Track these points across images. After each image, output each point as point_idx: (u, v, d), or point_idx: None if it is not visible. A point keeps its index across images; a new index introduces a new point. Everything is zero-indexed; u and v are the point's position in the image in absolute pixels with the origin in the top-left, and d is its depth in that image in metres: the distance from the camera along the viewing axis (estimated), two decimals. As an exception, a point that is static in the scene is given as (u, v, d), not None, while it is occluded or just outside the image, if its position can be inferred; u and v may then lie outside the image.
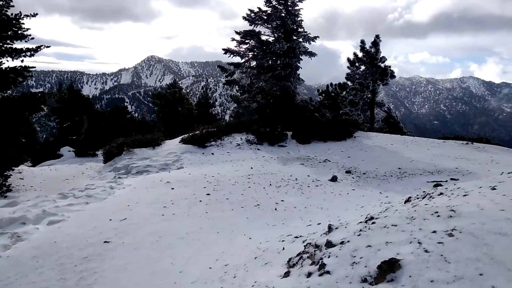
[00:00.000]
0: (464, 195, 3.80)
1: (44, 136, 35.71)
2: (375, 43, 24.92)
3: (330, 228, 4.14)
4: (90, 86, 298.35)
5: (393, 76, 25.24)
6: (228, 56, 20.50)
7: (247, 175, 10.42)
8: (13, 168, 11.56)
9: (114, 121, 28.53)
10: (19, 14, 11.75)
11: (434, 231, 3.00)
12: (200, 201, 7.87)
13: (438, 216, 3.30)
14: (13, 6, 11.79)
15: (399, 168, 11.79)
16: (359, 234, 3.51)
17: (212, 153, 14.12)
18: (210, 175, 10.42)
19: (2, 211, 7.18)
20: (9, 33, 11.77)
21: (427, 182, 9.80)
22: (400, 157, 13.49)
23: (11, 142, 12.41)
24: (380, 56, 24.85)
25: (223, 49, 20.37)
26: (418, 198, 4.57)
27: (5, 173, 10.39)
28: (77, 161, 20.25)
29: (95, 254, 5.21)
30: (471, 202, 3.42)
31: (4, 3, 11.53)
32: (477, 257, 2.49)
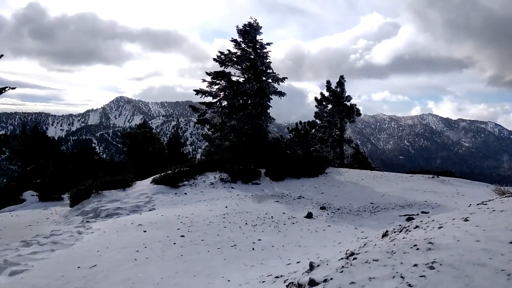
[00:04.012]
0: (440, 227, 3.91)
1: (5, 180, 33.80)
2: (340, 83, 26.10)
3: (311, 266, 4.10)
4: (55, 127, 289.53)
5: (359, 114, 26.30)
6: (200, 97, 20.78)
7: (222, 214, 10.25)
8: (-31, 215, 10.80)
9: (82, 163, 27.58)
10: (-18, 56, 11.50)
11: (415, 265, 3.05)
12: (174, 243, 7.60)
13: (417, 249, 3.36)
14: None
15: (372, 203, 12.00)
16: (342, 271, 3.49)
17: (185, 193, 13.85)
18: (183, 216, 10.16)
19: (-43, 263, 6.60)
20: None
21: (400, 216, 10.00)
22: (372, 192, 13.77)
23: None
24: (346, 95, 25.99)
25: (195, 90, 20.67)
26: (395, 232, 4.65)
27: (-39, 221, 9.66)
28: (41, 206, 19.18)
29: (62, 306, 4.84)
30: (447, 234, 3.52)
31: (-32, 44, 11.27)
32: (460, 289, 2.54)
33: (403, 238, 3.95)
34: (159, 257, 6.74)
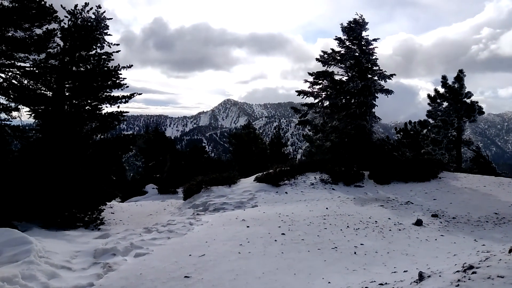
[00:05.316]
0: None
1: (131, 174, 39.02)
2: (459, 78, 23.36)
3: (421, 276, 3.78)
4: (172, 128, 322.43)
5: (481, 112, 23.15)
6: (302, 97, 20.86)
7: (322, 215, 10.12)
8: (106, 203, 12.74)
9: (193, 160, 30.15)
10: (117, 66, 13.37)
11: (555, 287, 2.57)
12: (275, 240, 7.77)
13: (558, 269, 2.83)
14: (113, 59, 13.49)
15: (496, 214, 10.49)
16: (458, 285, 3.14)
17: (286, 192, 14.05)
18: (284, 214, 10.33)
19: (96, 242, 7.87)
20: (109, 82, 13.40)
21: (533, 230, 8.55)
22: (496, 201, 12.04)
23: (106, 179, 13.75)
24: (465, 91, 23.15)
25: (297, 91, 20.84)
26: (527, 247, 3.98)
27: (99, 207, 11.44)
28: (160, 198, 21.57)
29: (176, 288, 5.36)
30: None
31: (106, 57, 13.26)
32: None
33: (538, 255, 3.37)
34: (261, 252, 6.97)
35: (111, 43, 13.43)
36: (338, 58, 20.18)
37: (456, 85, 23.32)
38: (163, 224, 10.15)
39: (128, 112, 14.57)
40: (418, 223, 9.41)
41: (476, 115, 23.04)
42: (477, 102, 23.01)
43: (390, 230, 8.81)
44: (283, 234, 8.26)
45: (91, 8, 12.80)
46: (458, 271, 3.55)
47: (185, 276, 5.75)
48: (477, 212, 10.73)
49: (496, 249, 5.81)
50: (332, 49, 20.34)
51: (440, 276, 3.58)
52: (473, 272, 3.29)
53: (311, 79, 20.56)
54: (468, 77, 23.81)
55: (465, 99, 23.18)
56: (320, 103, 20.77)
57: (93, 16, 12.94)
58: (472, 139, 25.20)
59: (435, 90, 24.37)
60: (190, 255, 6.86)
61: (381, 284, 4.70)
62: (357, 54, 19.86)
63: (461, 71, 23.46)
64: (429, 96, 24.71)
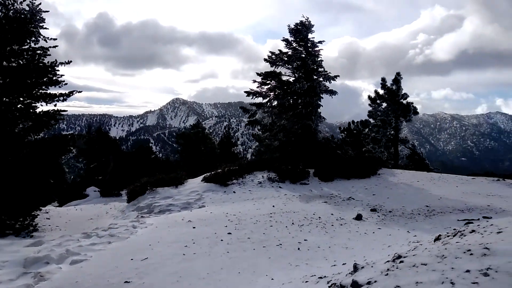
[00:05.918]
0: (498, 232, 3.58)
1: (72, 176, 36.82)
2: (396, 80, 24.94)
3: (355, 268, 3.96)
4: (117, 128, 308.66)
5: (416, 113, 24.93)
6: (251, 98, 20.99)
7: (269, 213, 10.27)
8: (40, 208, 11.85)
9: (139, 161, 29.14)
10: (54, 62, 12.50)
11: (468, 271, 2.82)
12: (222, 240, 7.75)
13: (471, 254, 3.11)
14: (49, 55, 12.60)
15: (427, 206, 11.33)
16: (387, 274, 3.33)
17: (234, 192, 14.08)
18: (231, 213, 10.34)
19: (27, 250, 7.29)
20: (45, 79, 12.48)
21: (458, 220, 9.34)
22: (428, 194, 13.01)
23: (41, 182, 12.79)
24: (402, 93, 24.76)
25: (246, 92, 20.93)
26: (448, 236, 4.34)
27: (33, 213, 10.63)
28: (102, 201, 20.58)
29: (115, 294, 5.13)
30: (506, 240, 3.22)
31: (41, 52, 12.36)
32: (517, 299, 2.30)
33: (457, 242, 3.68)
34: (206, 253, 6.91)
35: (48, 38, 12.53)
36: (286, 59, 20.58)
37: (394, 87, 24.84)
38: (104, 228, 9.68)
39: (67, 111, 13.67)
40: (358, 217, 9.88)
41: (411, 115, 24.73)
42: (412, 103, 24.71)
43: (332, 225, 9.15)
44: (229, 233, 8.26)
45: (25, 0, 11.88)
46: (388, 261, 3.77)
47: (125, 282, 5.52)
48: (411, 206, 11.51)
49: (425, 239, 6.26)
50: (280, 50, 20.71)
51: (372, 266, 3.78)
52: (401, 261, 3.51)
53: (259, 79, 20.77)
54: (406, 80, 25.51)
55: (402, 100, 24.79)
56: (268, 103, 21.05)
57: (27, 8, 12.01)
58: (408, 137, 27.00)
59: (375, 91, 25.78)
60: (132, 259, 6.61)
61: (321, 277, 4.87)
62: (303, 55, 20.40)
63: (398, 74, 25.05)
64: (369, 97, 26.07)
